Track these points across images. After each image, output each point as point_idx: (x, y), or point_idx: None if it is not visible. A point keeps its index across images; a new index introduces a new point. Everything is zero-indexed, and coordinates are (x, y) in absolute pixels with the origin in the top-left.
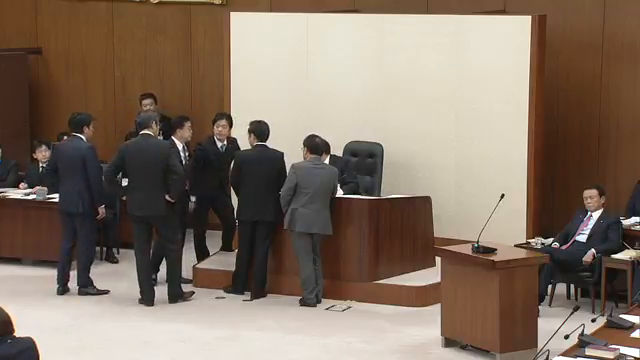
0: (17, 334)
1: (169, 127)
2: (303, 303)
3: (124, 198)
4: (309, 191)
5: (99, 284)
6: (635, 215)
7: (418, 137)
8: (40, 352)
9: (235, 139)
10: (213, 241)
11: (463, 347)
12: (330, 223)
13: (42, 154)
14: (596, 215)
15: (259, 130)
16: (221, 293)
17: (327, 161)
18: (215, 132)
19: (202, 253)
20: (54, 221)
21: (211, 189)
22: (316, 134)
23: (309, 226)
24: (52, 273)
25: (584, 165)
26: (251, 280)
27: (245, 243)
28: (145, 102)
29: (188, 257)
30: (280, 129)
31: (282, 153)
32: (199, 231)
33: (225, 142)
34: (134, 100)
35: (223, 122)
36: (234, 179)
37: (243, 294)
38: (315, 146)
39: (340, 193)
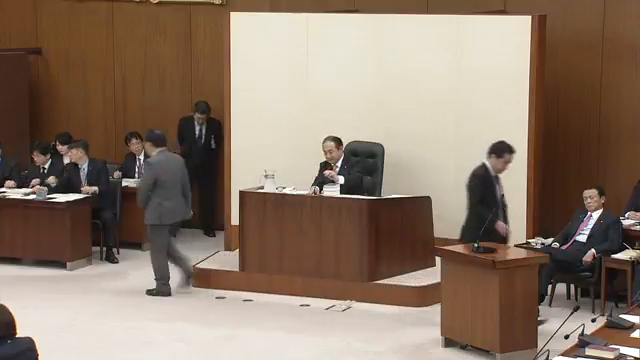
0: (17, 334)
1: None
2: (155, 293)
3: None
4: (168, 184)
5: (99, 284)
6: None
7: (418, 137)
8: (40, 352)
9: None
10: (214, 242)
11: (463, 347)
12: (188, 205)
13: (36, 158)
14: (596, 215)
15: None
16: (221, 293)
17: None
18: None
19: None
20: (54, 221)
21: None
22: (155, 128)
23: (175, 217)
24: (52, 273)
25: (584, 165)
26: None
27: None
28: (133, 141)
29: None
30: (280, 129)
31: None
32: None
33: None
34: None
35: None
36: None
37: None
38: (159, 139)
39: (341, 180)
